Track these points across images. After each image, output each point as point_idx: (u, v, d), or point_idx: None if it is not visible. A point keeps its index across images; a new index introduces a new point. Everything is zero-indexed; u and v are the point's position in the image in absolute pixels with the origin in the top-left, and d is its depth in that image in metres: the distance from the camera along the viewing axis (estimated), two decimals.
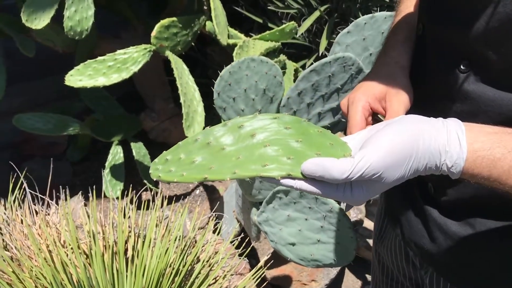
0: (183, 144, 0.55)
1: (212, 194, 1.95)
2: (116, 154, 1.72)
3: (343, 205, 1.22)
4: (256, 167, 0.51)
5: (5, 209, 1.37)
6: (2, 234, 1.24)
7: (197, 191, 2.00)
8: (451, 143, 0.49)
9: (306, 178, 0.51)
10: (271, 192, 1.16)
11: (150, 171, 0.55)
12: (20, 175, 1.43)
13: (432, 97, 0.64)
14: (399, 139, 0.49)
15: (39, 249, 1.16)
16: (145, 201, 1.88)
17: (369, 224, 1.89)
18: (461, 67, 0.59)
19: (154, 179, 0.54)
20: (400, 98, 0.62)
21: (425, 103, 0.64)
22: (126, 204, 1.37)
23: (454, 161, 0.49)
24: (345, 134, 1.77)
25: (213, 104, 1.85)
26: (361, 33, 1.18)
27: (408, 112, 0.63)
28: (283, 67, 1.45)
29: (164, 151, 0.56)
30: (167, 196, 1.94)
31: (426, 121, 0.51)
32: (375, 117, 0.67)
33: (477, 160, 0.49)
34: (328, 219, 1.07)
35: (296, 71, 1.52)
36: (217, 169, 0.52)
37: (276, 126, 0.54)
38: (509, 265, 0.65)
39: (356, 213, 1.84)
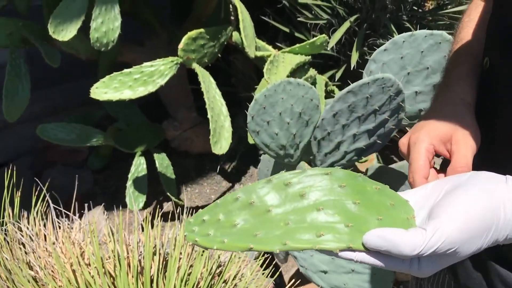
0: (221, 203, 0.50)
1: None
2: (139, 166, 1.69)
3: None
4: (310, 237, 0.45)
5: (28, 222, 1.34)
6: (26, 252, 1.22)
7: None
8: None
9: (369, 250, 0.45)
10: None
11: (185, 233, 0.49)
12: (42, 187, 1.41)
13: (500, 141, 0.59)
14: (477, 209, 0.43)
15: (64, 268, 1.13)
16: (168, 213, 1.86)
17: None
18: None
19: (190, 243, 0.49)
20: (467, 141, 0.56)
21: (493, 148, 0.59)
22: (147, 218, 1.33)
23: None
24: (382, 158, 1.71)
25: (235, 114, 1.82)
26: (399, 51, 1.13)
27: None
28: (314, 82, 1.40)
29: (200, 210, 0.51)
30: (188, 208, 1.90)
31: (504, 182, 0.46)
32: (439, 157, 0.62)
33: None
34: None
35: (326, 85, 1.47)
36: (264, 238, 0.46)
37: (329, 184, 0.49)
38: None
39: None
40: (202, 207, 1.99)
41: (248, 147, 1.96)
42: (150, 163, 1.78)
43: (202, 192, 2.02)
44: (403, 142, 0.61)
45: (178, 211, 1.75)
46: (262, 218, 0.48)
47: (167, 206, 1.91)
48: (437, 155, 0.60)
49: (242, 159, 2.09)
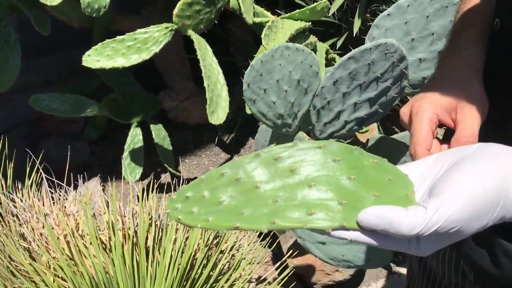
0: (206, 178, 0.46)
1: None
2: (135, 137, 1.66)
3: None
4: (300, 215, 0.42)
5: (22, 195, 1.32)
6: (20, 224, 1.20)
7: None
8: None
9: (363, 229, 0.42)
10: None
11: (167, 210, 0.45)
12: (36, 160, 1.38)
13: (508, 110, 0.55)
14: (484, 185, 0.40)
15: (57, 239, 1.11)
16: (165, 184, 1.84)
17: None
18: None
19: (174, 221, 0.46)
20: (474, 111, 0.52)
21: (502, 117, 0.55)
22: (145, 189, 1.30)
23: None
24: (383, 128, 1.67)
25: (234, 83, 1.77)
26: (403, 16, 1.08)
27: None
28: (314, 49, 1.35)
29: (184, 186, 0.46)
30: (185, 179, 1.88)
31: None
32: (442, 127, 0.58)
33: None
34: None
35: (327, 53, 1.42)
36: (251, 216, 0.43)
37: (322, 158, 0.45)
38: None
39: None
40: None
41: (246, 118, 1.92)
42: (147, 134, 1.75)
43: (200, 164, 2.00)
44: (404, 112, 0.57)
45: (175, 182, 1.73)
46: (249, 195, 0.44)
47: (165, 178, 1.88)
48: (441, 125, 0.56)
49: (241, 130, 2.05)
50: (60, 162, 1.64)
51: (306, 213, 0.42)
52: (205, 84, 1.24)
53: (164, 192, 1.81)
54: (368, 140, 1.43)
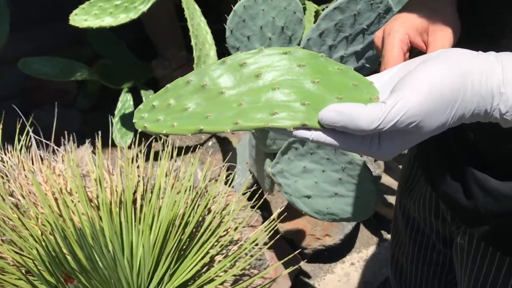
0: (172, 87, 0.46)
1: (225, 146, 1.89)
2: (125, 102, 1.65)
3: (365, 157, 1.15)
4: (263, 115, 0.43)
5: (12, 156, 1.32)
6: (8, 180, 1.20)
7: (210, 143, 1.94)
8: (508, 82, 0.40)
9: (325, 128, 0.42)
10: (286, 142, 1.08)
11: (134, 120, 0.46)
12: (26, 122, 1.38)
13: (480, 30, 0.55)
14: (442, 80, 0.40)
15: (45, 195, 1.12)
16: (155, 152, 1.84)
17: (387, 180, 1.82)
18: None
19: (139, 130, 0.46)
20: (445, 31, 0.52)
21: (471, 38, 0.55)
22: (136, 154, 1.31)
23: (510, 106, 0.40)
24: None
25: (226, 53, 1.76)
26: None
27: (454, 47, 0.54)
28: (303, 9, 1.34)
29: (150, 96, 0.48)
30: (177, 147, 1.88)
31: (475, 55, 0.42)
32: (414, 53, 0.58)
33: None
34: (347, 171, 1.00)
35: (317, 14, 1.41)
36: (215, 119, 0.44)
37: (288, 63, 0.45)
38: None
39: (374, 168, 1.77)
40: (193, 147, 1.97)
41: None
42: (139, 102, 1.74)
43: None
44: (377, 35, 0.57)
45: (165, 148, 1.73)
46: (214, 101, 0.45)
47: (156, 146, 1.88)
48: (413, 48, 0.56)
49: None
50: (52, 130, 1.64)
51: (269, 113, 0.43)
52: (192, 43, 1.23)
53: (159, 159, 1.81)
54: None
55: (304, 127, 0.43)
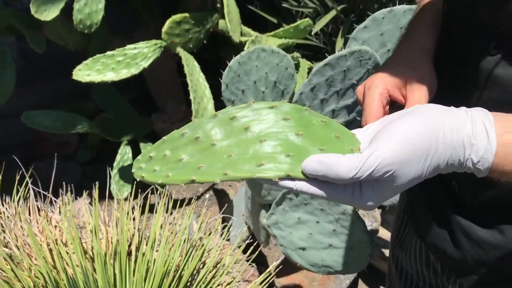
0: (168, 139, 0.49)
1: (222, 198, 1.90)
2: (124, 155, 1.68)
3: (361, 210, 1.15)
4: (251, 167, 0.45)
5: (9, 206, 1.33)
6: (3, 231, 1.20)
7: (207, 195, 1.95)
8: (477, 134, 0.43)
9: (308, 178, 0.44)
10: (281, 193, 1.10)
11: (132, 170, 0.48)
12: (25, 173, 1.40)
13: (457, 85, 0.58)
14: (416, 131, 0.42)
15: (40, 246, 1.11)
16: (151, 205, 1.84)
17: (384, 233, 1.81)
18: (490, 49, 0.53)
19: (137, 180, 0.48)
20: (422, 87, 0.55)
21: (448, 92, 0.58)
22: (132, 206, 1.32)
23: (481, 156, 0.43)
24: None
25: (224, 106, 1.81)
26: (379, 28, 1.13)
27: (431, 102, 0.57)
28: (297, 66, 1.40)
29: (148, 147, 0.51)
30: (173, 199, 1.89)
31: (447, 111, 0.45)
32: (394, 106, 0.61)
33: (509, 154, 0.43)
34: (341, 222, 1.01)
35: (310, 70, 1.47)
36: (206, 170, 0.46)
37: (274, 117, 0.48)
38: None
39: (371, 221, 1.77)
40: (190, 199, 1.97)
41: None
42: (137, 154, 1.77)
43: (190, 185, 2.01)
44: (359, 90, 0.60)
45: (165, 203, 1.74)
46: (206, 152, 0.47)
47: (154, 199, 1.89)
48: (393, 102, 0.59)
49: None
50: (51, 183, 1.66)
51: (255, 164, 0.45)
52: (191, 97, 1.27)
53: (154, 212, 1.81)
54: None
55: (289, 177, 0.44)
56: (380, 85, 0.56)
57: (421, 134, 0.42)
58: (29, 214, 1.30)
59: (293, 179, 0.44)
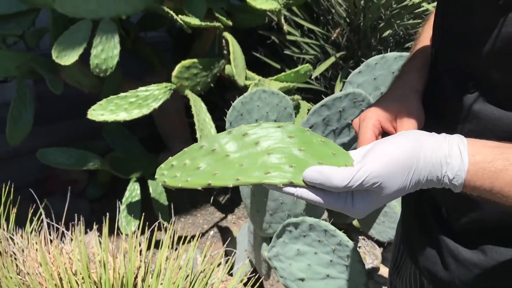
0: (188, 151, 0.57)
1: (226, 235, 1.95)
2: (133, 191, 1.75)
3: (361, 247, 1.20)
4: (259, 174, 0.52)
5: (22, 238, 1.39)
6: (16, 259, 1.26)
7: (211, 232, 2.00)
8: (453, 155, 0.50)
9: (308, 186, 0.52)
10: (281, 226, 1.16)
11: (156, 176, 0.56)
12: (39, 205, 1.47)
13: (442, 119, 0.66)
14: (400, 150, 0.50)
15: (51, 275, 1.17)
16: (157, 241, 1.89)
17: (385, 271, 1.84)
18: (469, 88, 0.61)
19: (160, 184, 0.56)
20: (411, 120, 0.63)
21: (435, 125, 0.66)
22: (139, 241, 1.38)
23: (455, 173, 0.50)
24: None
25: None
26: (372, 73, 1.22)
27: None
28: (297, 107, 1.49)
29: (170, 157, 0.58)
30: (178, 235, 1.94)
31: (429, 135, 0.53)
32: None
33: (479, 172, 0.49)
34: (337, 253, 1.06)
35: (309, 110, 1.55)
36: (221, 176, 0.53)
37: (280, 135, 0.55)
38: None
39: (372, 259, 1.80)
40: (195, 236, 2.02)
41: None
42: (145, 191, 1.84)
43: (196, 222, 2.06)
44: (355, 121, 0.68)
45: (170, 239, 1.79)
46: (221, 162, 0.55)
47: (160, 235, 1.94)
48: (385, 133, 0.67)
49: (235, 191, 2.14)
50: (61, 218, 1.72)
51: (263, 172, 0.53)
52: (197, 135, 1.36)
53: (160, 247, 1.86)
54: None
55: (291, 184, 0.52)
56: (373, 117, 0.64)
57: (404, 152, 0.49)
58: (41, 245, 1.36)
59: (295, 186, 0.52)
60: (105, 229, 1.32)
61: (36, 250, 1.33)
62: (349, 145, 1.16)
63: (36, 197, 2.04)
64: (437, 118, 0.67)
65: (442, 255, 0.70)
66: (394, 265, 0.94)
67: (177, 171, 0.56)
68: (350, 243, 1.03)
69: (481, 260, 0.65)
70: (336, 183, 0.49)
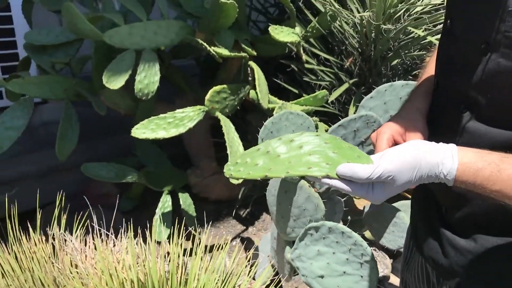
0: (248, 152, 0.76)
1: (248, 244, 2.12)
2: (165, 202, 1.93)
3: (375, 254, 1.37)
4: (304, 169, 0.69)
5: (71, 241, 1.58)
6: (72, 258, 1.44)
7: (234, 243, 2.17)
8: (446, 157, 0.68)
9: (340, 178, 0.69)
10: (303, 230, 1.33)
11: (224, 170, 0.75)
12: (77, 216, 1.66)
13: (441, 133, 0.84)
14: (408, 154, 0.68)
15: (108, 270, 1.35)
16: (186, 249, 2.07)
17: (394, 279, 1.99)
18: (462, 109, 0.78)
19: (227, 176, 0.74)
20: (417, 133, 0.81)
21: (436, 137, 0.84)
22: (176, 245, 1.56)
23: (448, 170, 0.67)
24: None
25: None
26: (382, 98, 1.41)
27: None
28: (316, 127, 1.67)
29: (235, 155, 0.77)
30: (204, 244, 2.11)
31: (429, 143, 0.71)
32: None
33: (466, 170, 0.67)
34: (353, 252, 1.23)
35: (326, 131, 1.74)
36: (274, 170, 0.71)
37: (318, 141, 0.73)
38: (506, 275, 0.80)
39: (382, 268, 1.96)
40: (220, 245, 2.19)
41: (261, 194, 2.20)
42: (176, 203, 2.02)
43: (219, 234, 2.23)
44: (373, 135, 0.87)
45: (201, 245, 1.97)
46: (274, 160, 0.73)
47: (187, 245, 2.12)
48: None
49: (256, 204, 2.32)
50: (101, 226, 1.91)
51: (306, 167, 0.70)
52: (228, 151, 1.54)
53: (187, 255, 2.04)
54: (364, 207, 1.69)
55: (327, 177, 0.68)
56: (387, 132, 0.82)
57: (410, 155, 0.68)
58: (94, 247, 1.54)
59: (330, 178, 0.69)
60: (148, 235, 1.50)
61: (94, 248, 1.51)
62: None
63: (73, 211, 2.25)
64: (437, 132, 0.85)
65: (443, 245, 0.87)
66: (405, 261, 1.10)
67: (241, 167, 0.74)
68: (364, 243, 1.20)
69: (473, 247, 0.81)
70: (361, 176, 0.67)
